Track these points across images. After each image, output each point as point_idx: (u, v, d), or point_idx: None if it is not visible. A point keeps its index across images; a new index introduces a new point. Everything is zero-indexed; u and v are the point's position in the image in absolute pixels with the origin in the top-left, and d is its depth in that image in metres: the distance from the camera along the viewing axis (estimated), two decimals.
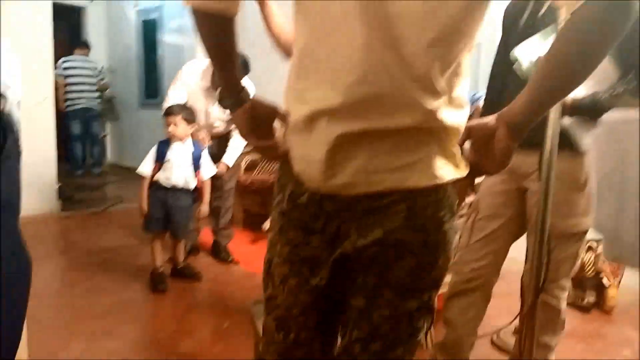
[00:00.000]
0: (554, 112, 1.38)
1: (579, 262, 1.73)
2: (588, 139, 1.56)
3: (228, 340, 2.23)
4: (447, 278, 2.18)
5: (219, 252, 3.27)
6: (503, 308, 2.07)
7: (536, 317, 1.53)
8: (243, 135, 0.95)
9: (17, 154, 1.36)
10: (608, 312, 2.68)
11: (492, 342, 2.27)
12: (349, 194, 0.84)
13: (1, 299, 1.34)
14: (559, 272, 1.65)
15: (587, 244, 2.71)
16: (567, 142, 1.53)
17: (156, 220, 2.75)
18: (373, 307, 0.88)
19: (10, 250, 1.35)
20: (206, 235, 3.38)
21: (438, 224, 0.84)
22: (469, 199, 1.87)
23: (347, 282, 0.91)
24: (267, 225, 3.40)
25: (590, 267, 2.67)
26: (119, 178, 5.78)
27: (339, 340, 0.98)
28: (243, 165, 3.98)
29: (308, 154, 0.85)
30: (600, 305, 2.70)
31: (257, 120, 0.91)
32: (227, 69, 0.90)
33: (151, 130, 5.36)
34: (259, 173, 4.17)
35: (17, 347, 1.45)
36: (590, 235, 2.83)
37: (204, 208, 2.89)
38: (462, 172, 0.87)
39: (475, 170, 0.89)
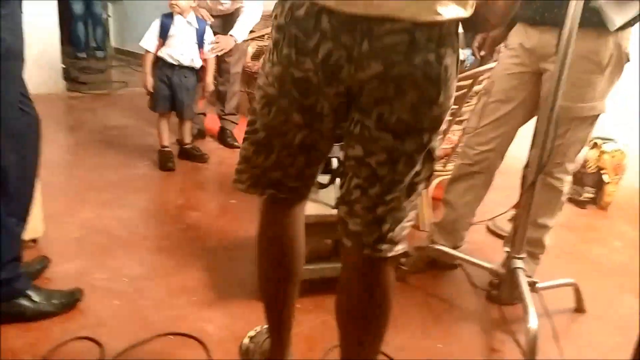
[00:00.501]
0: None
1: (586, 148, 1.72)
2: (622, 18, 1.47)
3: (233, 214, 2.32)
4: (451, 164, 2.22)
5: (224, 137, 3.28)
6: (501, 200, 2.13)
7: (535, 197, 1.58)
8: None
9: None
10: (604, 208, 2.75)
11: (488, 228, 2.36)
12: (346, 11, 0.79)
13: (12, 155, 1.37)
14: (566, 154, 1.66)
15: (593, 141, 2.71)
16: (594, 20, 1.46)
17: (162, 98, 2.73)
18: (371, 154, 0.88)
19: (18, 100, 1.35)
20: (212, 122, 3.38)
21: (439, 59, 0.82)
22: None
23: (343, 130, 0.92)
24: None
25: (593, 163, 2.70)
26: (123, 62, 5.67)
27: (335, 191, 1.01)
28: (250, 52, 3.86)
29: None
30: (597, 201, 2.76)
31: None
32: None
33: (155, 15, 5.14)
34: None
35: (31, 204, 1.51)
36: (597, 132, 2.83)
37: (209, 82, 2.87)
38: (467, 12, 0.83)
39: (477, 21, 0.86)
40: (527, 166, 1.73)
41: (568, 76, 1.45)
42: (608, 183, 2.69)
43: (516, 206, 1.92)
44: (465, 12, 0.83)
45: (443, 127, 0.93)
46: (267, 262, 1.17)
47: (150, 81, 2.70)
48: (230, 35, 2.94)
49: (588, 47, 1.51)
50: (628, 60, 1.58)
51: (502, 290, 1.73)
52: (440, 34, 0.82)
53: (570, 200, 2.73)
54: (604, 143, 2.68)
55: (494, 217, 2.28)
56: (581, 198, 2.75)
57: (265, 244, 1.15)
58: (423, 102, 0.84)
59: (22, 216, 1.49)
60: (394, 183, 0.90)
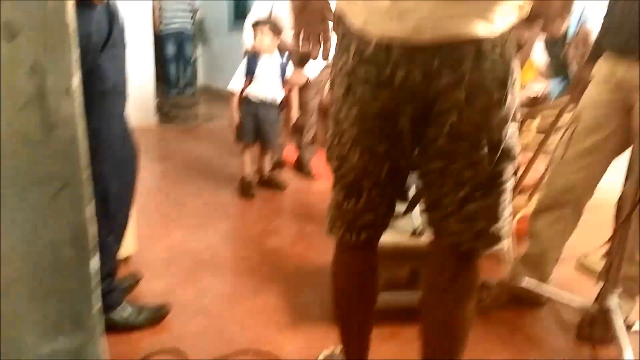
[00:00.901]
0: None
1: None
2: None
3: (310, 241, 2.37)
4: (535, 196, 2.13)
5: (302, 166, 3.39)
6: (593, 237, 2.00)
7: (632, 231, 1.48)
8: (294, 25, 1.00)
9: (122, 43, 1.47)
10: None
11: (577, 266, 2.21)
12: (416, 39, 0.85)
13: (114, 180, 1.51)
14: None
15: None
16: None
17: (247, 131, 2.90)
18: (452, 163, 0.93)
19: (122, 135, 1.50)
20: (290, 152, 3.51)
21: (505, 63, 0.88)
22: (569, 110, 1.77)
23: (420, 147, 0.97)
24: None
25: None
26: (210, 98, 6.06)
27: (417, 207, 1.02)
28: (328, 87, 4.00)
29: (372, 4, 0.87)
30: None
31: (311, 14, 0.98)
32: None
33: (240, 54, 5.48)
34: None
35: (127, 225, 1.64)
36: None
37: (292, 116, 3.05)
38: (523, 16, 0.88)
39: (535, 16, 0.88)
40: (621, 198, 1.63)
41: None
42: None
43: (610, 241, 1.80)
44: (521, 16, 0.88)
45: (513, 129, 0.95)
46: (345, 297, 1.19)
47: (236, 118, 2.89)
48: (302, 72, 3.09)
49: None
50: None
51: (595, 328, 1.60)
52: (503, 40, 0.87)
53: None
54: None
55: (586, 254, 2.15)
56: None
57: (343, 279, 1.17)
58: (492, 105, 0.89)
59: (119, 236, 1.62)
60: (479, 183, 0.95)
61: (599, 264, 2.05)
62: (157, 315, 1.65)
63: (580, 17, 2.60)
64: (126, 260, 1.98)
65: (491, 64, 0.87)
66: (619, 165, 1.67)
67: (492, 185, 0.96)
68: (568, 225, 1.74)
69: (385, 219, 1.08)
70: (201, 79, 6.82)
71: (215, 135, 4.41)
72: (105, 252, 1.54)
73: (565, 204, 1.71)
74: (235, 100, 2.89)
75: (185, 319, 1.67)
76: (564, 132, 1.76)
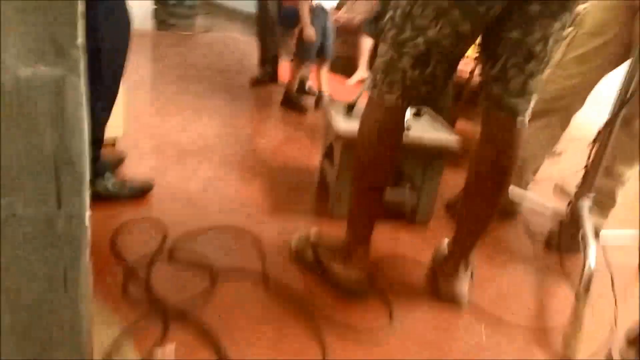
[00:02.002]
0: None
1: None
2: None
3: (296, 145, 2.40)
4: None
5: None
6: (573, 165, 2.03)
7: (614, 142, 1.50)
8: None
9: None
10: None
11: (555, 189, 2.26)
12: None
13: (107, 40, 1.48)
14: None
15: None
16: None
17: (314, 48, 2.88)
18: (527, 35, 1.05)
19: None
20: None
21: None
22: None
23: (504, 15, 1.04)
24: (355, 77, 3.45)
25: None
26: (209, 11, 5.86)
27: (487, 70, 1.14)
28: None
29: None
30: None
31: None
32: None
33: None
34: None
35: (115, 96, 1.62)
36: None
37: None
38: None
39: None
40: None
41: None
42: None
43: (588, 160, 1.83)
44: None
45: None
46: (384, 151, 1.21)
47: (312, 32, 2.80)
48: None
49: None
50: None
51: (563, 237, 1.67)
52: None
53: None
54: None
55: (564, 178, 2.19)
56: None
57: (386, 135, 1.19)
58: None
59: (107, 104, 1.61)
60: (544, 59, 1.09)
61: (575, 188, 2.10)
62: (140, 190, 1.68)
63: None
64: (112, 142, 1.99)
65: None
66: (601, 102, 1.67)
67: (550, 59, 1.10)
68: (555, 132, 1.75)
69: (435, 96, 1.17)
70: None
71: (210, 46, 4.31)
72: (93, 119, 1.54)
73: (555, 111, 1.71)
74: (306, 10, 2.79)
75: (167, 198, 1.70)
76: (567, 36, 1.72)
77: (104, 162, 1.64)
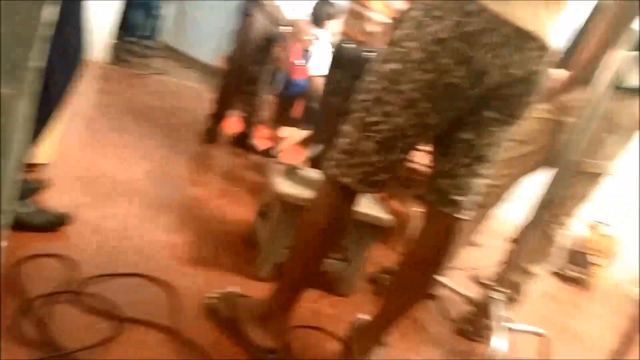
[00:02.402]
0: (614, 50, 1.39)
1: (583, 204, 1.76)
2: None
3: (233, 199, 2.38)
4: None
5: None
6: (489, 256, 2.17)
7: (527, 242, 1.62)
8: None
9: None
10: (588, 289, 2.75)
11: (471, 278, 2.37)
12: (520, 25, 1.00)
13: (57, 54, 1.43)
14: (565, 207, 1.72)
15: (591, 222, 2.76)
16: (618, 82, 1.54)
17: None
18: (480, 138, 1.12)
19: (77, 15, 1.45)
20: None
21: (544, 72, 1.10)
22: None
23: (462, 117, 1.10)
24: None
25: (586, 244, 2.73)
26: (169, 56, 5.89)
27: (438, 165, 1.20)
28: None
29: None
30: (584, 281, 2.77)
31: None
32: None
33: (212, 21, 5.37)
34: None
35: (54, 112, 1.54)
36: (596, 216, 2.88)
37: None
38: None
39: None
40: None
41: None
42: (595, 265, 2.71)
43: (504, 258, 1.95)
44: None
45: None
46: (334, 232, 1.23)
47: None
48: None
49: (606, 107, 1.58)
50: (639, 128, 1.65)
51: (474, 324, 1.73)
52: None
53: (557, 274, 2.74)
54: (600, 226, 2.73)
55: (479, 268, 2.31)
56: (569, 274, 2.77)
57: (329, 218, 1.20)
58: (527, 95, 1.10)
59: (39, 127, 1.53)
60: (491, 162, 1.17)
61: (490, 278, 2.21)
62: (57, 222, 1.58)
63: None
64: (40, 167, 1.89)
65: (542, 69, 1.08)
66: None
67: (490, 168, 1.18)
68: (472, 228, 1.87)
69: (390, 181, 1.18)
70: (166, 38, 6.60)
71: (161, 87, 4.30)
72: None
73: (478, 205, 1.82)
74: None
75: (84, 235, 1.60)
76: None
77: (24, 185, 1.55)
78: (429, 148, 1.23)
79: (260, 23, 2.94)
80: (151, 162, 2.52)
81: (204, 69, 5.31)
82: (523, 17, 1.01)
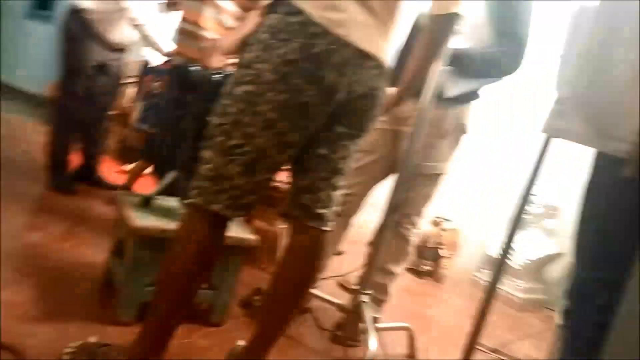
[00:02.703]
0: (434, 65, 1.58)
1: (429, 202, 1.96)
2: (455, 90, 1.77)
3: (78, 240, 2.15)
4: None
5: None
6: (353, 261, 2.29)
7: (384, 244, 1.74)
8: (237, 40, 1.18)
9: None
10: (440, 280, 3.06)
11: (338, 284, 2.47)
12: (362, 47, 1.09)
13: None
14: (414, 207, 1.88)
15: (435, 219, 3.08)
16: (437, 92, 1.74)
17: None
18: (333, 153, 1.19)
19: None
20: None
21: (383, 89, 1.22)
22: None
23: (316, 134, 1.16)
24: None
25: (432, 239, 3.04)
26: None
27: (298, 182, 1.23)
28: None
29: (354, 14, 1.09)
30: (435, 273, 3.08)
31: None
32: None
33: (38, 46, 4.86)
34: None
35: None
36: (437, 212, 3.23)
37: None
38: None
39: None
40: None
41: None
42: (444, 257, 3.03)
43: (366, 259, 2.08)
44: None
45: None
46: (203, 264, 1.17)
47: None
48: None
49: (432, 116, 1.79)
50: (465, 132, 1.89)
51: (347, 330, 1.80)
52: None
53: (412, 270, 3.00)
54: (442, 221, 3.06)
55: (348, 273, 2.42)
56: (421, 269, 3.05)
57: (196, 248, 1.14)
58: (373, 109, 1.20)
59: None
60: (345, 173, 1.23)
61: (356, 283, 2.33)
62: None
63: None
64: None
65: (383, 86, 1.19)
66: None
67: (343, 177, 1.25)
68: (336, 237, 1.95)
69: (257, 203, 1.19)
70: None
71: None
72: None
73: (338, 214, 1.90)
74: None
75: None
76: None
77: None
78: (287, 165, 1.26)
79: (89, 46, 2.68)
80: None
81: (31, 100, 4.76)
82: (360, 39, 1.09)
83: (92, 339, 1.31)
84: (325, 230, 1.25)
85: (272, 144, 1.10)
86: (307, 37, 1.05)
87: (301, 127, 1.12)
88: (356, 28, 1.08)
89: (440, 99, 1.74)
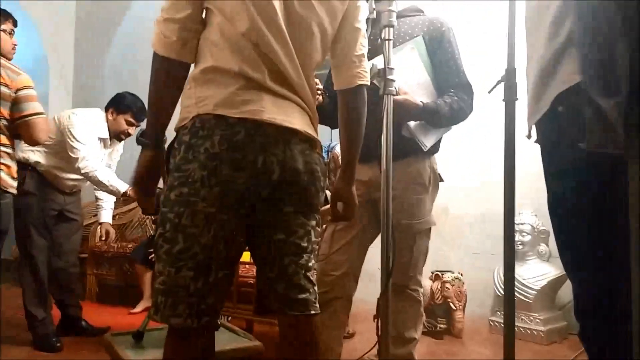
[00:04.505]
0: (386, 128, 1.60)
1: (425, 259, 1.90)
2: (430, 140, 1.79)
3: None
4: None
5: None
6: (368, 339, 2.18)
7: (396, 312, 1.65)
8: (139, 177, 1.14)
9: None
10: (458, 336, 2.92)
11: None
12: (285, 125, 1.09)
13: None
14: (417, 266, 1.83)
15: (434, 273, 3.00)
16: (412, 148, 1.77)
17: None
18: (291, 235, 1.14)
19: None
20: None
21: (320, 162, 1.21)
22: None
23: (266, 220, 1.13)
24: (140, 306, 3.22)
25: (438, 294, 2.94)
26: None
27: (266, 273, 1.16)
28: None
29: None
30: (451, 330, 2.94)
31: (155, 169, 1.13)
32: (166, 113, 1.12)
33: None
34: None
35: None
36: (436, 266, 3.16)
37: None
38: None
39: None
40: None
41: (405, 198, 1.76)
42: (455, 310, 2.91)
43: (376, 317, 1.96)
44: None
45: None
46: None
47: None
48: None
49: (413, 172, 1.79)
50: (441, 180, 1.90)
51: None
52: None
53: (427, 333, 2.87)
54: (443, 274, 2.98)
55: (364, 355, 2.29)
56: (436, 329, 2.91)
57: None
58: (320, 190, 1.18)
59: None
60: (313, 252, 1.18)
61: None
62: None
63: (329, 145, 3.12)
64: None
65: (318, 160, 1.18)
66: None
67: (315, 256, 1.19)
68: (341, 319, 1.85)
69: (222, 303, 1.14)
70: None
71: None
72: None
73: (335, 298, 1.82)
74: None
75: None
76: (324, 232, 1.95)
77: None
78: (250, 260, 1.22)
79: (44, 197, 2.65)
80: None
81: (3, 264, 4.57)
82: (283, 119, 1.10)
83: None
84: (312, 315, 1.17)
85: (218, 238, 1.07)
86: (226, 127, 1.06)
87: (243, 214, 1.09)
88: (277, 111, 1.10)
89: (414, 152, 1.77)
